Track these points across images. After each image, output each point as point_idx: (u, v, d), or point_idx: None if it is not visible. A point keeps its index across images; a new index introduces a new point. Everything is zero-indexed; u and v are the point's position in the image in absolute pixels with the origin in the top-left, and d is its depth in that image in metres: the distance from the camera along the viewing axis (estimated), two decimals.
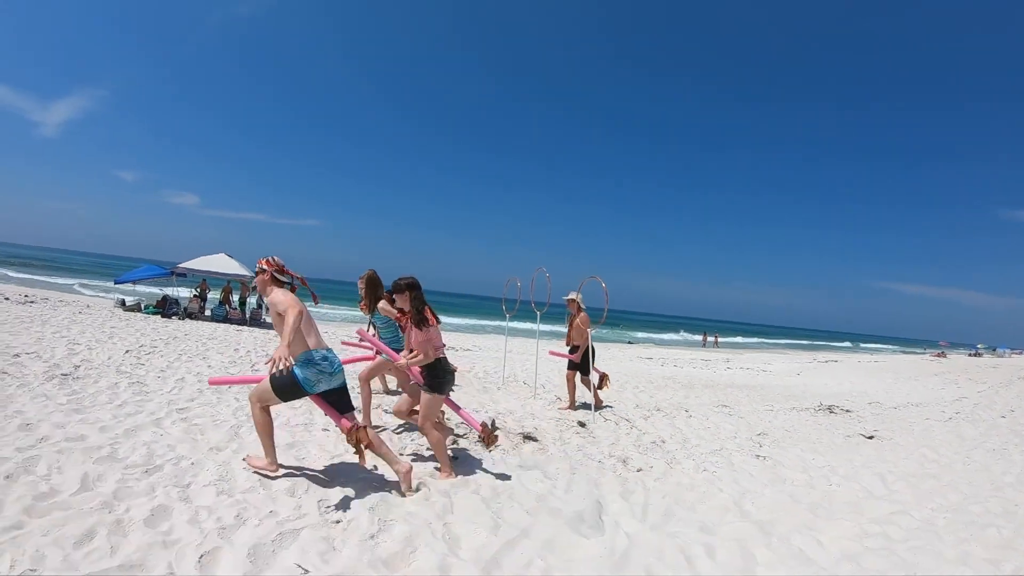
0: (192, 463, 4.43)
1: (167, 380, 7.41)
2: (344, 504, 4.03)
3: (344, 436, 4.34)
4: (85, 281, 40.46)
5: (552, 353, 9.35)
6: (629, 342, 39.06)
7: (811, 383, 17.04)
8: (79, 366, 7.44)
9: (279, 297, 4.00)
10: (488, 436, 5.08)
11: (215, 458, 4.65)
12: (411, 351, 4.68)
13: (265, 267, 4.14)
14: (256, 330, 17.15)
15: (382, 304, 5.80)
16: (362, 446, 4.11)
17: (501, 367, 11.46)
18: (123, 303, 20.59)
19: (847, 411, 11.04)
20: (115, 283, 22.53)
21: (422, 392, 4.71)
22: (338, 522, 3.79)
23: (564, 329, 8.68)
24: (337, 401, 4.26)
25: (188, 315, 19.32)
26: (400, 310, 4.83)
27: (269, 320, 17.66)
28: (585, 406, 8.57)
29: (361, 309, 6.33)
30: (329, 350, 4.17)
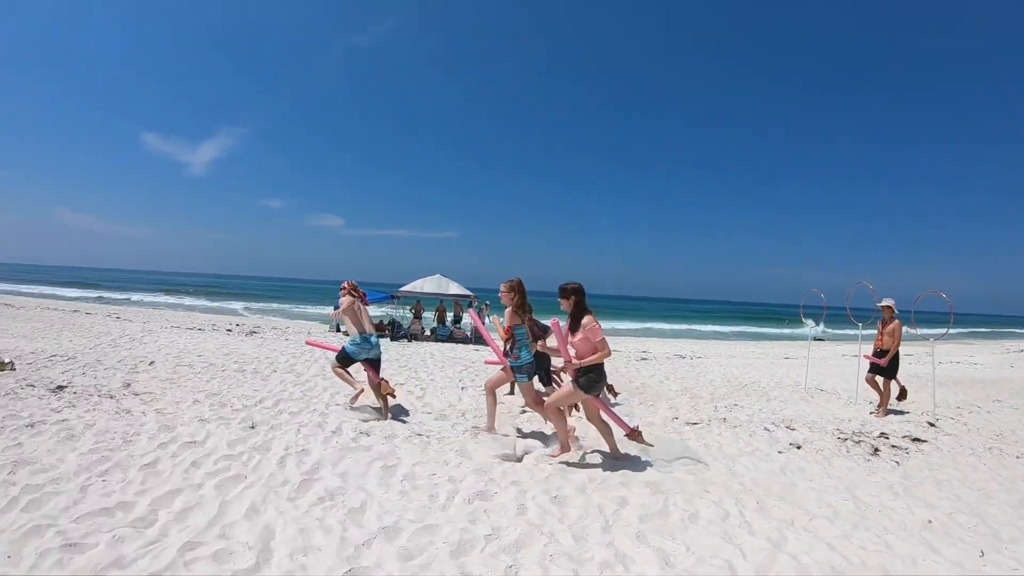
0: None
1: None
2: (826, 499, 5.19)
3: (377, 390, 7.45)
4: (248, 304, 45.29)
5: (866, 357, 10.32)
6: (815, 338, 38.06)
7: None
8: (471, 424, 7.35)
9: (343, 302, 7.60)
10: (636, 436, 5.78)
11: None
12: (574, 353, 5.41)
13: (345, 285, 7.76)
14: (483, 348, 17.64)
15: (507, 312, 6.15)
16: (387, 396, 7.36)
17: (801, 376, 13.08)
18: (337, 327, 23.06)
19: None
20: (335, 309, 24.69)
21: (569, 383, 5.37)
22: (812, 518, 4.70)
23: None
24: (374, 365, 7.57)
25: (412, 337, 21.29)
26: (508, 328, 6.12)
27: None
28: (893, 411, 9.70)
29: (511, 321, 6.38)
30: (372, 334, 7.62)
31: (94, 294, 46.35)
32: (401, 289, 22.38)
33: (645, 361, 15.76)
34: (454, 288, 21.92)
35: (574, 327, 5.21)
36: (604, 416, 5.80)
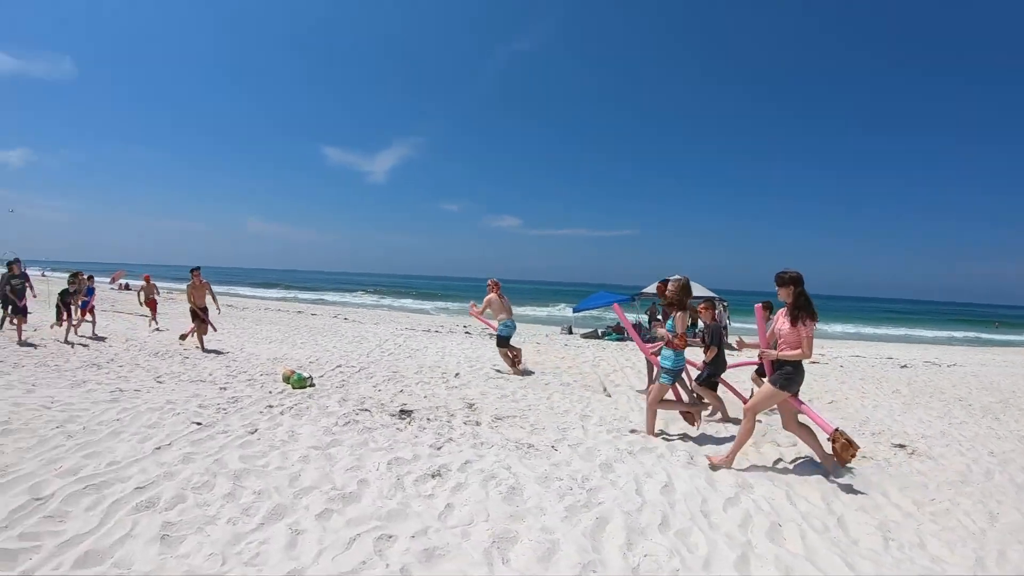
0: None
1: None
2: None
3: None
4: (439, 304, 45.96)
5: None
6: None
7: None
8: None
9: (489, 296, 9.82)
10: (841, 443, 5.10)
11: None
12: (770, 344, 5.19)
13: (490, 283, 9.87)
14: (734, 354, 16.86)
15: (678, 315, 5.97)
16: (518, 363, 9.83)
17: None
18: (569, 330, 22.32)
19: None
20: (573, 312, 24.25)
21: (766, 383, 5.15)
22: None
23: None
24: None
25: (651, 341, 19.70)
26: (682, 335, 5.90)
27: (730, 341, 17.84)
28: None
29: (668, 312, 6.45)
30: (511, 320, 9.87)
31: (290, 294, 49.55)
32: (643, 292, 20.93)
33: (906, 368, 14.40)
34: (696, 290, 19.43)
35: (792, 318, 4.89)
36: (803, 419, 5.48)
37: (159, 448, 4.65)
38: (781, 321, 5.03)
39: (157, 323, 14.39)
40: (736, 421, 6.74)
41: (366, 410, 6.41)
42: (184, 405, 6.11)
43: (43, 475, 3.93)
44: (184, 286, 11.40)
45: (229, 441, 4.94)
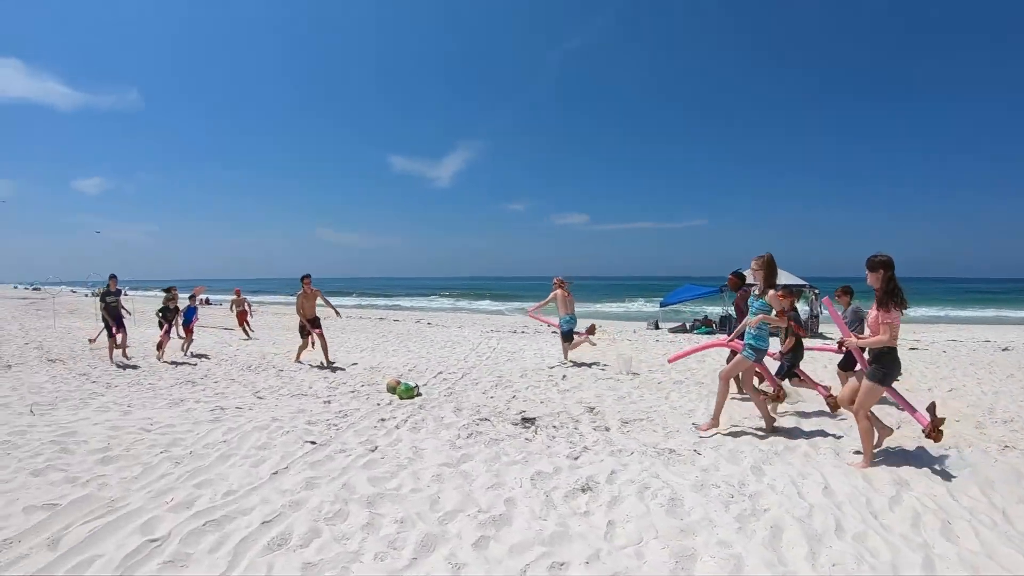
0: None
1: None
2: None
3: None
4: (514, 305, 45.81)
5: None
6: None
7: None
8: None
9: (555, 292, 10.20)
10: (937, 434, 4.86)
11: None
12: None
13: (555, 281, 10.29)
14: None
15: (771, 293, 5.72)
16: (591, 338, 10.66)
17: None
18: (656, 324, 21.77)
19: None
20: (661, 305, 23.65)
21: (864, 379, 4.95)
22: None
23: None
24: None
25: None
26: (781, 312, 5.66)
27: (824, 333, 17.01)
28: None
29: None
30: (572, 315, 10.17)
31: (366, 301, 51.37)
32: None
33: (1009, 352, 13.34)
34: (783, 278, 18.39)
35: (879, 303, 4.75)
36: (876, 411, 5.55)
37: (276, 473, 4.20)
38: (873, 308, 4.90)
39: (248, 335, 15.09)
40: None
41: (486, 419, 5.90)
42: (291, 422, 5.68)
43: (154, 510, 3.50)
44: (294, 297, 10.45)
45: (351, 461, 4.45)
